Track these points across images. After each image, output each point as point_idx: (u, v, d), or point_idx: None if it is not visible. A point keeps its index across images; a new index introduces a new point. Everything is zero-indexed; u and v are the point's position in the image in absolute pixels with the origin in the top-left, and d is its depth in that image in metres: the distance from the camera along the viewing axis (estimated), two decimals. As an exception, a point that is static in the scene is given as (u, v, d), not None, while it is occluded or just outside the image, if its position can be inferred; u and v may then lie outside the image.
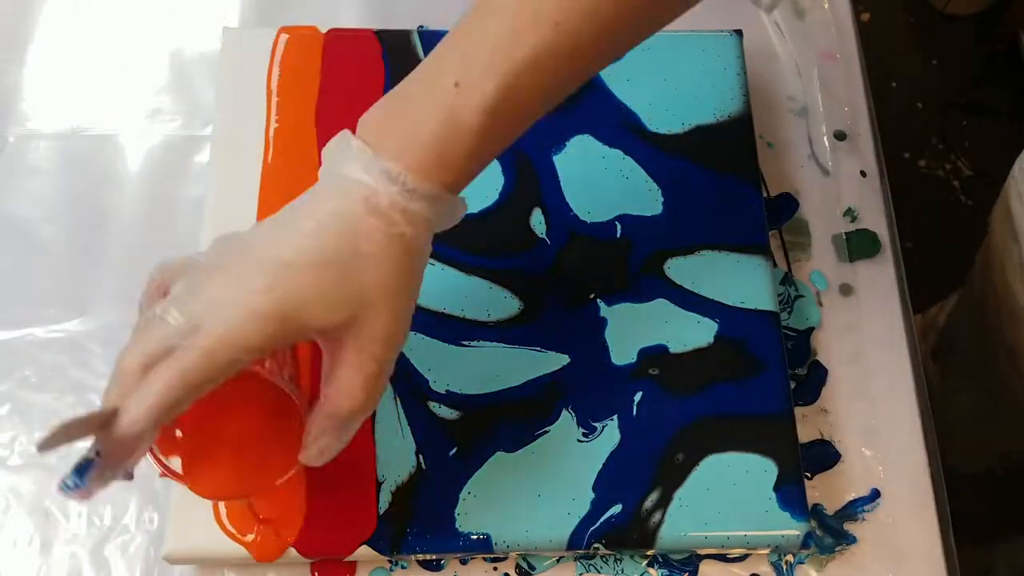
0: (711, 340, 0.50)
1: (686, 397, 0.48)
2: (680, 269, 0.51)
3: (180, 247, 0.54)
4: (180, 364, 0.35)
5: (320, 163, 0.39)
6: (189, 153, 0.58)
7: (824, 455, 0.50)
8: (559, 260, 0.51)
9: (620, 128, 0.54)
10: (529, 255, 0.51)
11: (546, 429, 0.48)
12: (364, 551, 0.46)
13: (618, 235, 0.52)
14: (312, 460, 0.39)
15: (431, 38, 0.56)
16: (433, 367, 0.49)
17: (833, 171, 0.57)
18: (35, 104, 0.59)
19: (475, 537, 0.46)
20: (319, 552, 0.46)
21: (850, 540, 0.49)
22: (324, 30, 0.56)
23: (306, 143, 0.53)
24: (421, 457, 0.47)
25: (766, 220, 0.53)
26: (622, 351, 0.49)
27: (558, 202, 0.52)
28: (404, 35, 0.56)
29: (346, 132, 0.38)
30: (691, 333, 0.50)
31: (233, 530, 0.46)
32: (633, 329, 0.50)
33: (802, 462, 0.48)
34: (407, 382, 0.48)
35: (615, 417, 0.48)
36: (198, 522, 0.46)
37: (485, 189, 0.52)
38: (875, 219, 0.56)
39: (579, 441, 0.47)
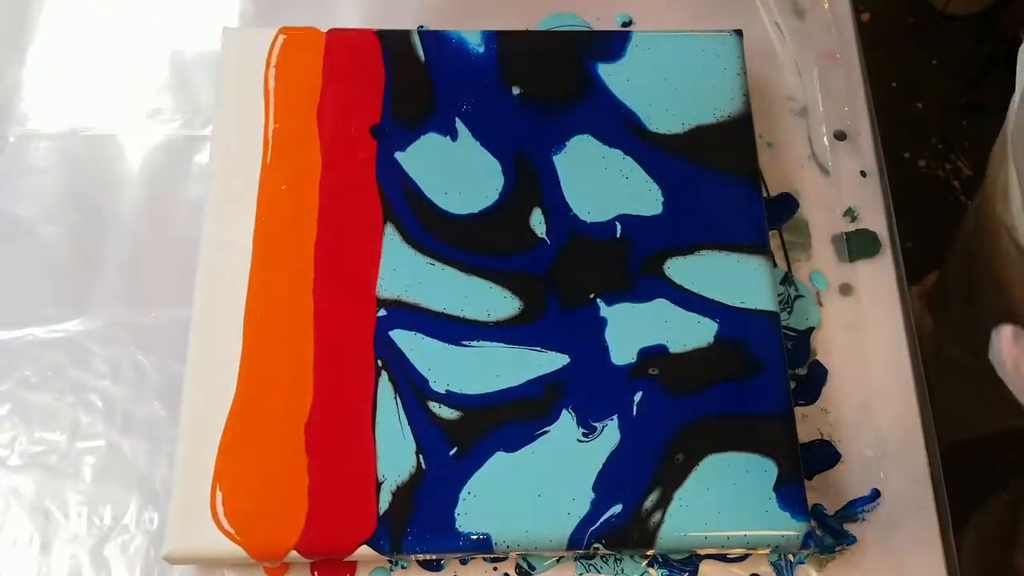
0: (711, 340, 0.50)
1: (686, 397, 0.48)
2: (680, 269, 0.51)
3: (180, 247, 0.54)
4: None
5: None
6: (189, 153, 0.58)
7: (824, 455, 0.50)
8: (559, 260, 0.51)
9: (620, 128, 0.54)
10: (529, 255, 0.51)
11: (546, 429, 0.48)
12: (364, 551, 0.46)
13: (618, 235, 0.52)
14: None
15: (431, 38, 0.56)
16: (433, 367, 0.49)
17: (833, 171, 0.57)
18: (35, 104, 0.59)
19: (475, 537, 0.46)
20: (319, 552, 0.46)
21: (850, 540, 0.49)
22: (324, 30, 0.56)
23: (306, 143, 0.53)
24: (421, 457, 0.47)
25: (766, 220, 0.53)
26: (622, 351, 0.49)
27: (558, 202, 0.52)
28: (404, 35, 0.56)
29: None
30: (691, 333, 0.50)
31: (233, 530, 0.46)
32: (633, 329, 0.50)
33: (802, 462, 0.48)
34: (407, 382, 0.48)
35: (615, 417, 0.48)
36: (198, 522, 0.46)
37: (485, 189, 0.52)
38: (875, 219, 0.56)
39: (579, 441, 0.47)
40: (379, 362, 0.49)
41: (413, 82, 0.55)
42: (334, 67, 0.55)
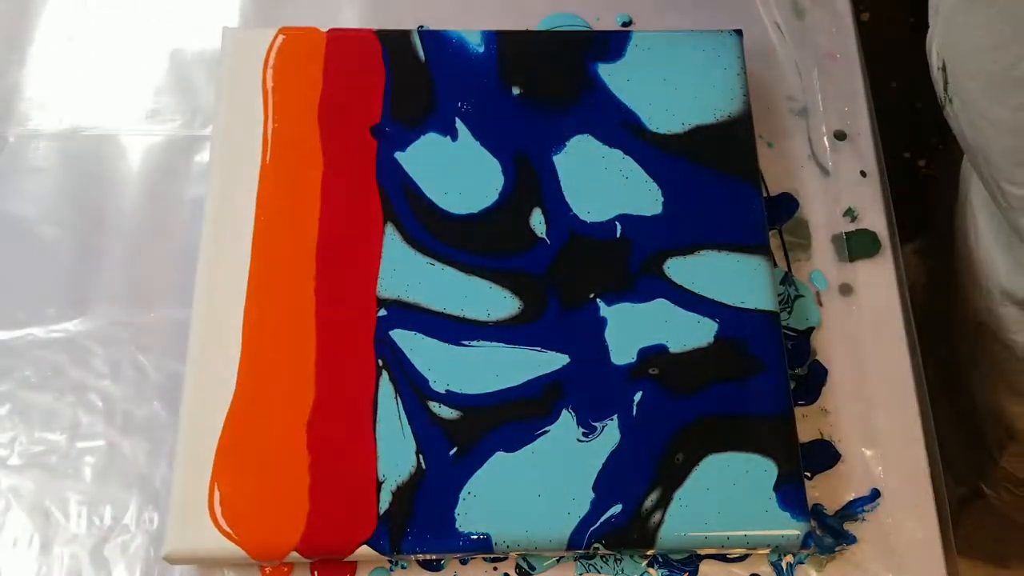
0: (711, 340, 0.50)
1: (686, 397, 0.48)
2: (680, 269, 0.51)
3: (180, 247, 0.54)
4: None
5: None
6: (189, 153, 0.58)
7: (824, 455, 0.50)
8: (559, 260, 0.51)
9: (620, 128, 0.54)
10: (529, 255, 0.51)
11: (546, 429, 0.48)
12: (364, 551, 0.46)
13: (618, 235, 0.52)
14: None
15: (431, 38, 0.56)
16: (433, 367, 0.49)
17: (833, 171, 0.57)
18: (35, 104, 0.59)
19: (475, 537, 0.46)
20: (319, 552, 0.46)
21: (850, 540, 0.49)
22: (324, 30, 0.56)
23: (306, 143, 0.53)
24: (421, 457, 0.47)
25: (766, 220, 0.53)
26: (622, 351, 0.49)
27: (558, 202, 0.52)
28: (404, 35, 0.56)
29: None
30: (691, 333, 0.50)
31: (233, 530, 0.46)
32: (633, 329, 0.50)
33: (802, 462, 0.48)
34: (407, 382, 0.48)
35: (615, 417, 0.48)
36: (198, 522, 0.46)
37: (485, 189, 0.52)
38: (875, 219, 0.56)
39: (579, 441, 0.47)
40: (379, 362, 0.49)
41: (413, 82, 0.55)
42: (334, 67, 0.55)
